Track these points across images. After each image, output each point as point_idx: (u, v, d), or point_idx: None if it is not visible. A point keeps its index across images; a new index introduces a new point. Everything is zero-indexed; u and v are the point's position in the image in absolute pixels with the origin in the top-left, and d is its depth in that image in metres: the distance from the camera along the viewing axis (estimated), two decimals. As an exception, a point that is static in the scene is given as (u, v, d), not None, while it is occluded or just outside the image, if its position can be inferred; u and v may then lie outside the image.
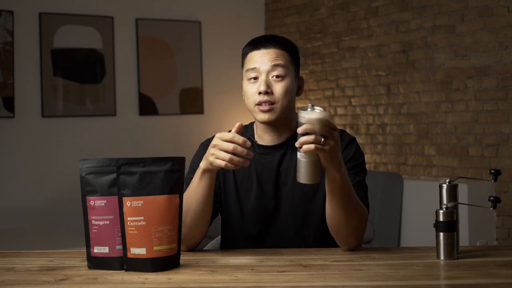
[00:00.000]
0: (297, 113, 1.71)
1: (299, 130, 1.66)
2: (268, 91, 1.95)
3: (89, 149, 5.22)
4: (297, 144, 1.67)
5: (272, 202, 2.00)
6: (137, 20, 5.48)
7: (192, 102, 5.69)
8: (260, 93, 1.95)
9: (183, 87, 5.66)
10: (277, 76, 1.96)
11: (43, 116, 5.09)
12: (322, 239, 2.00)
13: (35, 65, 5.08)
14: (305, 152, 1.67)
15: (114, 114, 5.38)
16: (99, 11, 5.33)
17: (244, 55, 2.04)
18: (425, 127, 4.67)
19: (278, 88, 1.96)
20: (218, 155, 1.73)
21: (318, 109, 1.67)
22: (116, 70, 5.38)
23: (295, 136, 1.74)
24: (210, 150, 1.75)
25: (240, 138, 1.72)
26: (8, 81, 4.95)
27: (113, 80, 5.36)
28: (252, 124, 2.10)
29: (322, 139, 1.65)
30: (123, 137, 5.41)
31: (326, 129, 1.66)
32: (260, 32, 5.88)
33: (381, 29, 4.97)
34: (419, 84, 4.70)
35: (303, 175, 1.71)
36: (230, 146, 1.71)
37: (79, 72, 5.26)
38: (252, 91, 1.97)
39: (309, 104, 1.69)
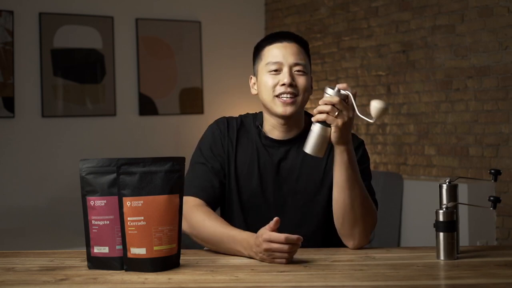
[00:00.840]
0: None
1: (321, 101, 1.76)
2: (292, 83, 1.96)
3: (89, 149, 5.21)
4: (314, 112, 1.78)
5: (272, 197, 2.00)
6: (137, 20, 5.48)
7: (192, 102, 5.69)
8: (283, 84, 1.96)
9: (183, 87, 5.66)
10: (300, 71, 1.98)
11: (43, 116, 5.09)
12: (323, 240, 2.00)
13: (35, 65, 5.08)
14: (317, 120, 1.76)
15: (114, 114, 5.38)
16: (99, 11, 5.33)
17: (261, 48, 2.04)
18: (425, 127, 4.67)
19: (301, 81, 1.98)
20: (275, 255, 1.70)
21: (343, 91, 1.77)
22: (116, 70, 5.38)
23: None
24: (264, 253, 1.71)
25: (293, 238, 1.69)
26: (8, 81, 4.95)
27: (113, 80, 5.36)
28: (261, 113, 2.10)
29: (337, 113, 1.74)
30: (123, 137, 5.41)
31: (343, 103, 1.74)
32: (260, 32, 5.88)
33: (381, 29, 4.97)
34: (419, 84, 4.70)
35: (309, 145, 1.79)
36: (285, 248, 1.69)
37: (79, 72, 5.26)
38: (273, 82, 1.98)
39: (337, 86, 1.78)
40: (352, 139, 2.01)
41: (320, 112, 1.75)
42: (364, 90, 5.12)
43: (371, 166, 5.03)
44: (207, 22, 5.77)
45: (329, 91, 1.76)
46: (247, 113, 2.15)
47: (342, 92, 1.76)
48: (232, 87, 5.66)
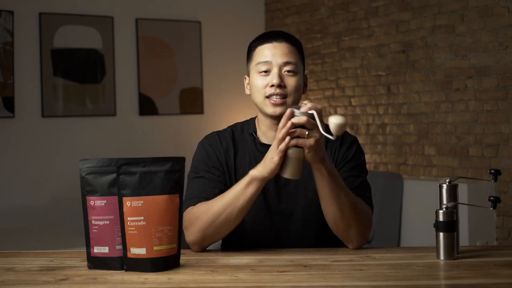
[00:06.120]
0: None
1: (288, 123, 1.71)
2: (281, 84, 1.95)
3: (89, 149, 5.21)
4: (280, 136, 1.73)
5: (273, 202, 1.99)
6: (137, 20, 5.48)
7: (192, 102, 5.70)
8: (272, 85, 1.94)
9: (183, 87, 5.66)
10: (290, 71, 1.97)
11: (43, 116, 5.09)
12: (329, 241, 2.00)
13: (35, 65, 5.08)
14: (290, 145, 1.72)
15: (114, 114, 5.38)
16: (99, 11, 5.33)
17: (252, 48, 2.03)
18: (425, 127, 4.67)
19: (291, 82, 1.96)
20: (297, 133, 1.71)
21: (304, 104, 1.73)
22: (116, 70, 5.38)
23: None
24: (280, 143, 1.73)
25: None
26: (8, 81, 4.95)
27: (113, 80, 5.36)
28: (253, 119, 2.09)
29: (307, 132, 1.70)
30: (123, 137, 5.41)
31: (312, 122, 1.70)
32: (260, 32, 5.86)
33: (381, 29, 4.97)
34: (419, 84, 4.70)
35: (287, 170, 1.76)
36: (304, 119, 1.70)
37: (79, 72, 5.26)
38: (262, 83, 1.97)
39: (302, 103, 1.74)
40: (345, 137, 2.01)
41: (289, 135, 1.71)
42: (364, 90, 5.12)
43: (371, 166, 5.05)
44: (207, 22, 5.77)
45: (296, 112, 1.71)
46: (236, 123, 2.12)
47: (307, 111, 1.70)
48: (232, 87, 5.66)
